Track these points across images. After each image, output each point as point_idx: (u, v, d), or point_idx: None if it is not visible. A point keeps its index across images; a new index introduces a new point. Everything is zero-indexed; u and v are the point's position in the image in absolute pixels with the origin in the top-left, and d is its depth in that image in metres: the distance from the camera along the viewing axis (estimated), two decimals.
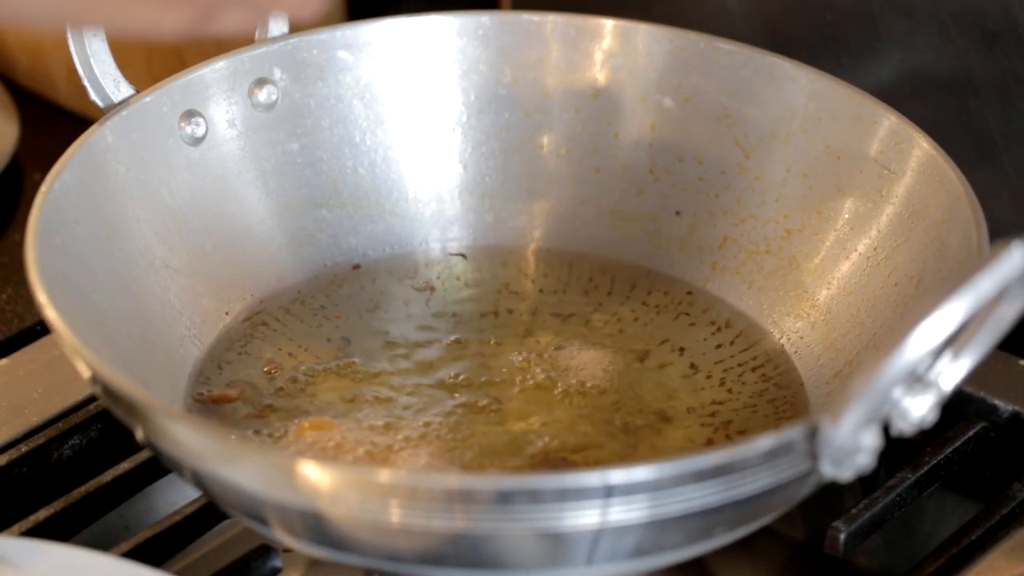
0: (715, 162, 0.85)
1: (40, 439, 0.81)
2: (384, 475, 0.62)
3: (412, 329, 0.81)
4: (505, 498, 0.61)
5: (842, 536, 0.75)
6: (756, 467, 0.62)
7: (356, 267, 0.84)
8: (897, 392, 0.61)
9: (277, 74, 0.84)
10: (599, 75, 0.87)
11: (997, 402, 0.83)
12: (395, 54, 0.86)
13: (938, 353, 0.62)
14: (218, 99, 0.83)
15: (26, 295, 0.79)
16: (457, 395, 0.76)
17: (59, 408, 0.83)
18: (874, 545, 0.82)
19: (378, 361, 0.78)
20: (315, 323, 0.81)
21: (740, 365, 0.79)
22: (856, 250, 0.80)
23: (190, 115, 0.82)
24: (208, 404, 0.75)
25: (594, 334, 0.81)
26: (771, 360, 0.79)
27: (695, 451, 0.72)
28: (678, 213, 0.85)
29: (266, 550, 0.75)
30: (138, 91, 0.80)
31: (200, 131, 0.82)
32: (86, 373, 0.68)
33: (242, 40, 0.85)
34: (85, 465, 0.81)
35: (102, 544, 0.75)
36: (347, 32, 0.86)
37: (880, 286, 0.78)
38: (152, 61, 1.01)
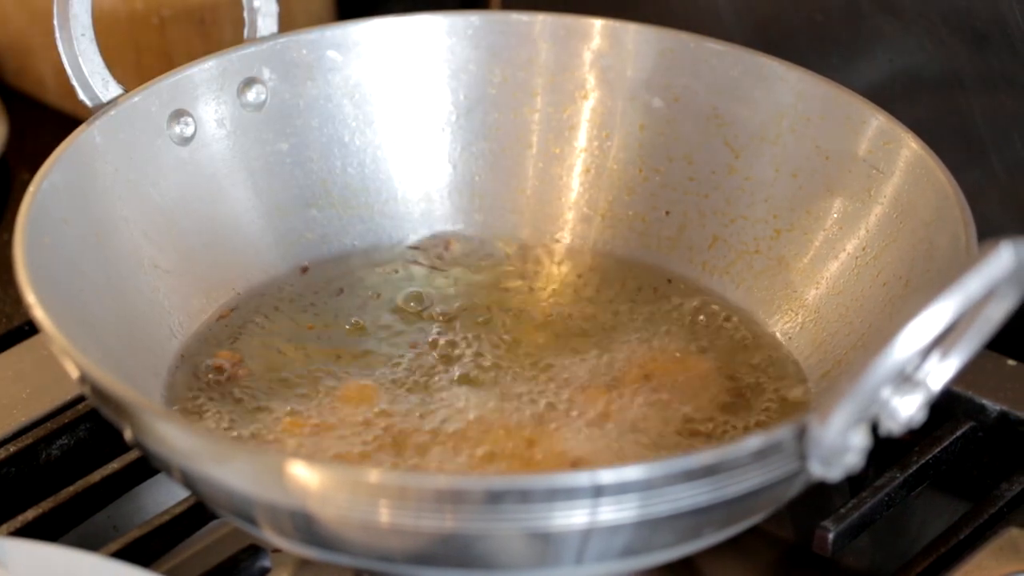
0: (705, 162, 0.85)
1: (28, 439, 0.80)
2: (373, 475, 0.62)
3: (401, 328, 0.81)
4: (495, 498, 0.61)
5: (831, 536, 0.75)
6: (745, 467, 0.62)
7: (339, 263, 0.84)
8: (886, 392, 0.61)
9: (266, 74, 0.84)
10: (588, 75, 0.87)
11: (985, 402, 0.83)
12: (384, 54, 0.86)
13: (926, 353, 0.62)
14: (207, 99, 0.82)
15: (14, 295, 0.79)
16: (446, 394, 0.76)
17: (47, 408, 0.83)
18: (862, 545, 0.82)
19: (368, 358, 0.78)
20: (304, 321, 0.81)
21: None
22: (845, 250, 0.80)
23: (179, 115, 0.82)
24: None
25: (584, 332, 0.81)
26: None
27: (684, 451, 0.72)
28: (668, 213, 0.85)
29: (255, 550, 0.75)
30: (126, 91, 0.80)
31: (189, 131, 0.82)
32: (74, 373, 0.68)
33: (231, 40, 0.85)
34: (73, 465, 0.81)
35: (91, 544, 0.74)
36: (336, 32, 0.86)
37: (869, 286, 0.78)
38: (141, 61, 1.01)
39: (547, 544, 0.63)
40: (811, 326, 0.80)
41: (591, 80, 0.87)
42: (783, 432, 0.62)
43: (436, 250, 0.86)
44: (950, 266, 0.72)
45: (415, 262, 0.85)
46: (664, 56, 0.85)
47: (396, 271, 0.85)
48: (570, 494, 0.61)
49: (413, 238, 0.87)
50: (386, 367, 0.78)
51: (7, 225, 0.98)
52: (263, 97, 0.84)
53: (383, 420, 0.74)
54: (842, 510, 0.76)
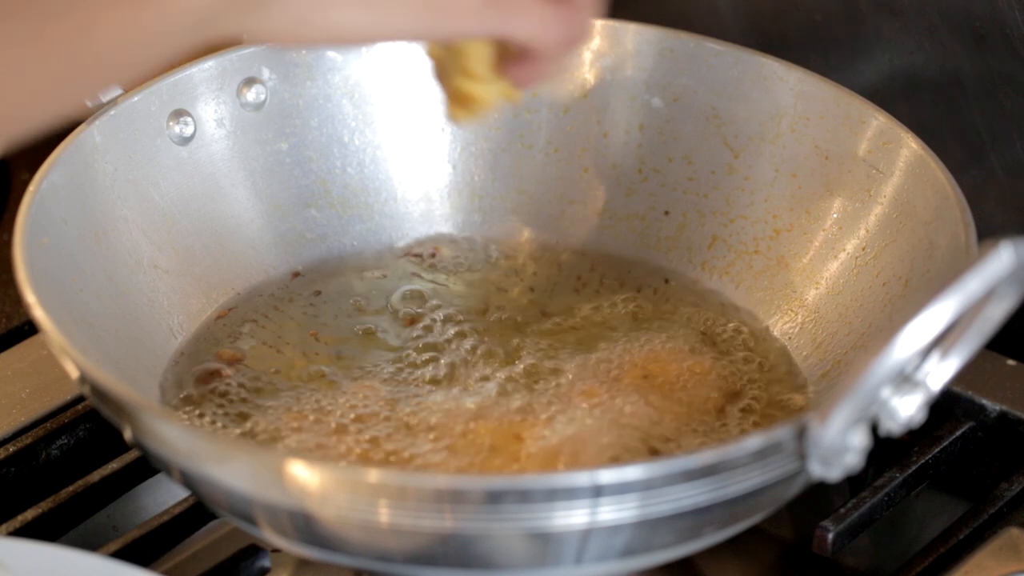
0: (704, 162, 0.85)
1: (28, 439, 0.80)
2: (373, 475, 0.61)
3: (400, 328, 0.81)
4: (494, 498, 0.61)
5: (830, 536, 0.75)
6: (745, 467, 0.62)
7: (337, 265, 0.84)
8: (885, 392, 0.61)
9: (266, 74, 0.84)
10: (588, 75, 0.87)
11: (985, 402, 0.83)
12: (384, 53, 0.86)
13: (926, 353, 0.62)
14: (206, 99, 0.82)
15: (14, 295, 0.79)
16: (444, 392, 0.76)
17: (47, 408, 0.83)
18: (862, 545, 0.82)
19: (367, 358, 0.78)
20: (303, 320, 0.81)
21: None
22: (845, 250, 0.80)
23: (178, 115, 0.82)
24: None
25: (582, 332, 0.81)
26: None
27: (683, 451, 0.72)
28: (667, 213, 0.85)
29: (254, 550, 0.75)
30: (126, 90, 0.80)
31: (188, 131, 0.82)
32: (74, 373, 0.68)
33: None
34: (73, 465, 0.81)
35: (90, 544, 0.74)
36: None
37: (868, 286, 0.78)
38: None
39: (547, 544, 0.63)
40: (810, 326, 0.80)
41: (590, 80, 0.87)
42: (783, 432, 0.62)
43: (428, 255, 0.86)
44: (950, 266, 0.72)
45: (412, 267, 0.85)
46: (664, 56, 0.85)
47: (394, 274, 0.85)
48: (570, 494, 0.61)
49: (412, 238, 0.86)
50: (383, 367, 0.78)
51: (7, 225, 0.98)
52: (263, 97, 0.84)
53: (380, 418, 0.74)
54: (842, 510, 0.76)
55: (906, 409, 0.62)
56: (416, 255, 0.86)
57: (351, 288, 0.83)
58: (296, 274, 0.84)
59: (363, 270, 0.85)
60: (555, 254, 0.86)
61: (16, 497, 0.79)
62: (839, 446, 0.61)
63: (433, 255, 0.86)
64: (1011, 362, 0.85)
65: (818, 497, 0.78)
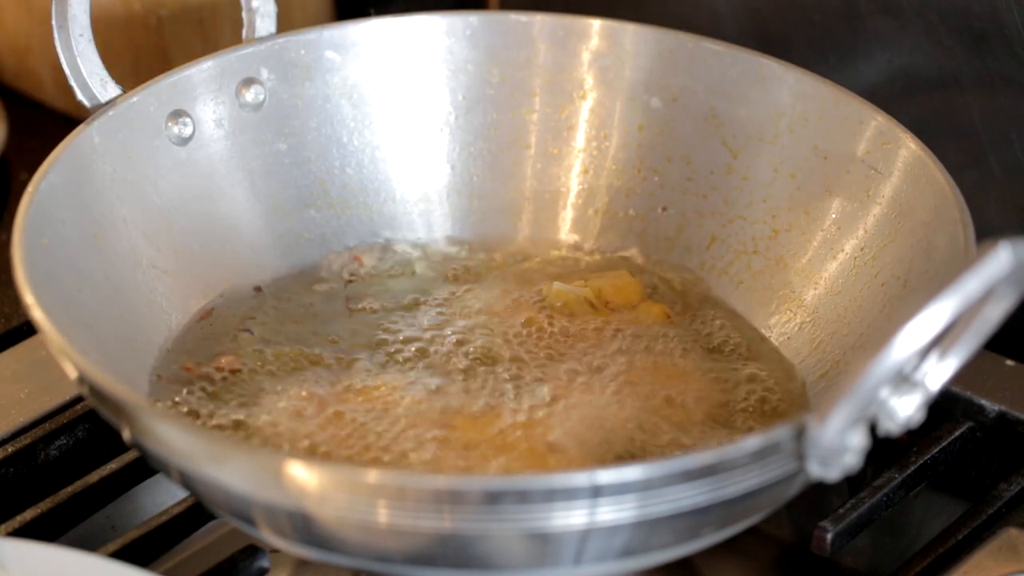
0: (703, 162, 0.85)
1: (27, 439, 0.80)
2: (372, 475, 0.61)
3: (400, 327, 0.81)
4: (493, 498, 0.61)
5: (829, 536, 0.75)
6: (744, 467, 0.62)
7: (345, 266, 0.84)
8: (884, 392, 0.61)
9: (264, 74, 0.84)
10: (587, 75, 0.87)
11: (984, 402, 0.83)
12: (383, 54, 0.86)
13: (925, 353, 0.62)
14: (205, 99, 0.82)
15: (13, 295, 0.79)
16: (440, 393, 0.76)
17: (46, 408, 0.83)
18: (861, 545, 0.82)
19: (365, 356, 0.78)
20: (302, 320, 0.81)
21: None
22: (843, 250, 0.80)
23: (177, 115, 0.82)
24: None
25: (583, 333, 0.81)
26: None
27: (683, 451, 0.72)
28: (665, 211, 0.85)
29: (253, 550, 0.75)
30: (125, 91, 0.80)
31: (187, 131, 0.82)
32: (73, 373, 0.68)
33: (229, 41, 0.85)
34: (72, 465, 0.81)
35: (89, 544, 0.74)
36: (334, 32, 0.86)
37: (867, 286, 0.78)
38: (139, 61, 1.01)
39: (545, 544, 0.63)
40: (809, 326, 0.80)
41: (589, 80, 0.87)
42: (782, 432, 0.62)
43: (433, 250, 0.86)
44: (948, 266, 0.72)
45: (409, 266, 0.85)
46: (662, 56, 0.85)
47: (392, 273, 0.85)
48: (569, 494, 0.61)
49: (411, 239, 0.87)
50: (381, 364, 0.78)
51: (6, 225, 0.98)
52: (261, 97, 0.84)
53: (378, 416, 0.74)
54: (840, 510, 0.76)
55: (905, 409, 0.62)
56: (414, 255, 0.86)
57: (349, 287, 0.83)
58: (294, 274, 0.84)
59: (362, 269, 0.85)
60: (553, 254, 0.86)
61: (15, 497, 0.79)
62: (838, 446, 0.61)
63: (432, 255, 0.86)
64: (1010, 362, 0.85)
65: (817, 497, 0.78)
